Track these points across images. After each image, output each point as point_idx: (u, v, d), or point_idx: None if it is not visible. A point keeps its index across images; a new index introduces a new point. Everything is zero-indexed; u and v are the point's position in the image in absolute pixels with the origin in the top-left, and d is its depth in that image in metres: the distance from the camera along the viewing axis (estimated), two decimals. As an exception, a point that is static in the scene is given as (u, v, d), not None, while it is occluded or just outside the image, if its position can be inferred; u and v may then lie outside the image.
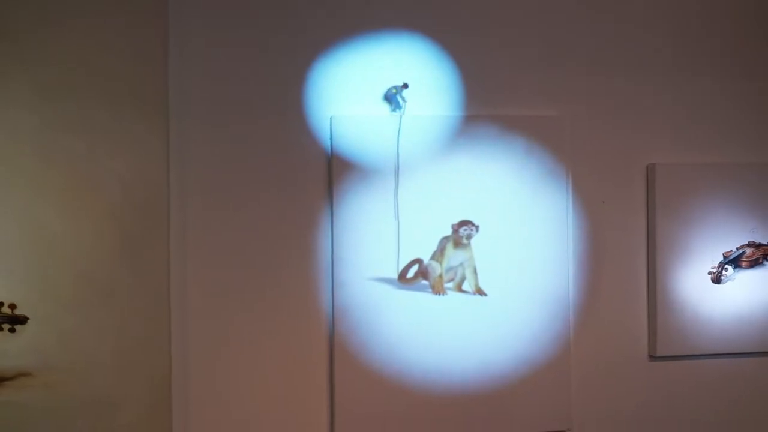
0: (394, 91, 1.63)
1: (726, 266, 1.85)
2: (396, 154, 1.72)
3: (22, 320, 1.55)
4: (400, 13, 1.76)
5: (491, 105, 1.79)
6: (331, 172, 1.71)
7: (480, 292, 1.76)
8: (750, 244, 1.86)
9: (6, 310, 1.54)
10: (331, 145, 1.71)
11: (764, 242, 1.87)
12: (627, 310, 1.85)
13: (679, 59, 1.88)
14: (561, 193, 1.79)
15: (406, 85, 1.65)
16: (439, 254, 1.74)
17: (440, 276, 1.74)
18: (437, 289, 1.74)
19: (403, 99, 1.68)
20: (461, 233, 1.75)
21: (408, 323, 1.73)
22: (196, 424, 1.69)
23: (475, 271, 1.75)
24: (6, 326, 1.54)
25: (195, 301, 1.69)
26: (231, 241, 1.70)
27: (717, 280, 1.85)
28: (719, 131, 1.89)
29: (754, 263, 1.86)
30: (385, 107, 1.73)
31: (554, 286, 1.78)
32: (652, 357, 1.85)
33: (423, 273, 1.74)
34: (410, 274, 1.73)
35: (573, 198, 1.82)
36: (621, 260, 1.85)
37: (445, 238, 1.74)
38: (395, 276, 1.72)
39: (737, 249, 1.86)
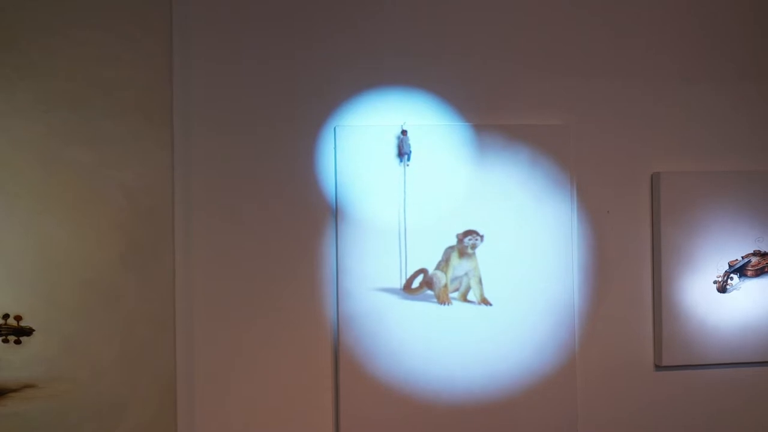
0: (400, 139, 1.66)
1: (731, 275, 1.85)
2: (401, 165, 1.72)
3: (28, 332, 1.55)
4: (405, 22, 1.76)
5: (495, 114, 1.79)
6: (336, 182, 1.71)
7: (485, 301, 1.75)
8: (756, 253, 1.85)
9: (12, 321, 1.54)
10: (336, 154, 1.71)
11: (770, 251, 1.87)
12: (632, 319, 1.85)
13: (684, 67, 1.87)
14: (566, 202, 1.78)
15: (404, 132, 1.67)
16: (444, 264, 1.74)
17: (445, 286, 1.74)
18: (442, 299, 1.74)
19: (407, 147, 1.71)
20: (466, 243, 1.74)
21: (413, 333, 1.73)
22: (201, 431, 1.70)
23: (480, 281, 1.75)
24: (12, 338, 1.54)
25: (200, 309, 1.69)
26: (236, 250, 1.70)
27: (722, 289, 1.85)
28: (724, 139, 1.89)
29: (759, 272, 1.85)
30: (389, 118, 1.74)
31: (559, 296, 1.78)
32: (658, 366, 1.85)
33: (428, 283, 1.74)
34: (415, 284, 1.73)
35: (578, 207, 1.82)
36: (626, 269, 1.84)
37: (450, 248, 1.74)
38: (400, 286, 1.72)
39: (743, 258, 1.85)
